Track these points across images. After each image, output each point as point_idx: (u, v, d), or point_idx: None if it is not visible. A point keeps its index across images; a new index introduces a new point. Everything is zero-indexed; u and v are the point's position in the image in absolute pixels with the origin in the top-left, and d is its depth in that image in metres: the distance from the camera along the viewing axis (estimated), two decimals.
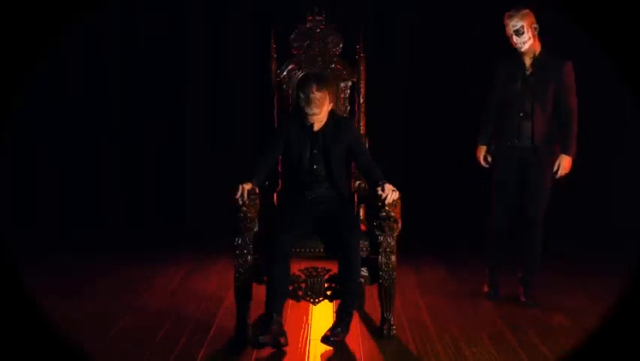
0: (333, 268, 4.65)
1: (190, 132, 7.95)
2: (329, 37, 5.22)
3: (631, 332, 3.62)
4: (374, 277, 4.68)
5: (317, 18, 5.23)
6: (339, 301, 4.61)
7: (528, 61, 5.25)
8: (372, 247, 4.66)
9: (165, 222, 7.89)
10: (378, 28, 7.72)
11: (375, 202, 4.64)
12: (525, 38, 5.16)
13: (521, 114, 5.25)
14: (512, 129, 5.28)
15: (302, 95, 4.62)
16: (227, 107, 7.89)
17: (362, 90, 5.19)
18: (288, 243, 4.55)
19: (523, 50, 5.19)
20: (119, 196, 7.92)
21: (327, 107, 4.67)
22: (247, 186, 4.54)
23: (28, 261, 6.25)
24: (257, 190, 4.61)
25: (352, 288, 4.57)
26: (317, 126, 4.71)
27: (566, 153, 5.24)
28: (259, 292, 4.66)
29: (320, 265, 4.71)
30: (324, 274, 4.69)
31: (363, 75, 5.18)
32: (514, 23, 5.15)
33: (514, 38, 5.18)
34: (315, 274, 4.69)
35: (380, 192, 4.58)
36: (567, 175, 5.30)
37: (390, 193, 4.57)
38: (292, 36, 5.23)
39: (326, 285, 4.68)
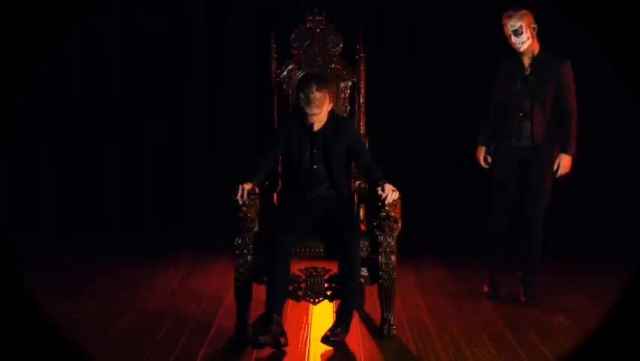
0: (333, 268, 4.65)
1: (190, 132, 7.95)
2: (329, 37, 5.22)
3: (631, 332, 3.62)
4: (374, 277, 4.68)
5: (317, 18, 5.23)
6: (339, 301, 4.61)
7: (527, 61, 5.25)
8: (372, 247, 4.66)
9: (165, 222, 7.89)
10: (378, 28, 7.72)
11: (375, 202, 4.64)
12: (523, 38, 5.16)
13: (520, 114, 5.26)
14: (512, 129, 5.28)
15: (302, 95, 4.62)
16: (227, 107, 7.89)
17: (362, 90, 5.19)
18: (288, 243, 4.55)
19: (521, 50, 5.20)
20: (119, 196, 7.92)
21: (327, 107, 4.67)
22: (247, 186, 4.54)
23: (28, 261, 6.25)
24: (257, 190, 4.61)
25: (352, 288, 4.57)
26: (317, 126, 4.71)
27: (565, 152, 5.25)
28: (259, 292, 4.66)
29: (320, 265, 4.71)
30: (324, 274, 4.69)
31: (363, 75, 5.18)
32: (513, 23, 5.15)
33: (513, 38, 5.18)
34: (315, 274, 4.69)
35: (380, 192, 4.58)
36: (567, 174, 5.30)
37: (390, 193, 4.57)
38: (292, 36, 5.23)
39: (326, 285, 4.68)
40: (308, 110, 4.63)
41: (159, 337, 4.66)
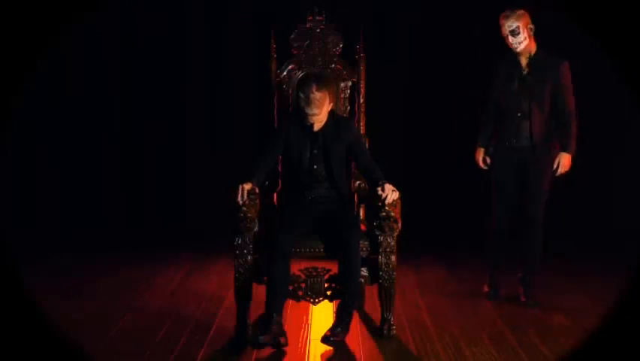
0: (333, 268, 4.65)
1: (190, 132, 7.95)
2: (329, 37, 5.22)
3: (631, 332, 3.62)
4: (374, 277, 4.68)
5: (317, 18, 5.23)
6: (339, 301, 4.61)
7: (524, 61, 5.26)
8: (372, 247, 4.66)
9: (165, 222, 7.90)
10: (378, 28, 7.72)
11: (375, 202, 4.64)
12: (521, 39, 5.17)
13: (519, 114, 5.26)
14: (510, 129, 5.29)
15: (302, 95, 4.63)
16: (227, 107, 7.89)
17: (362, 90, 5.18)
18: (288, 243, 4.55)
19: (518, 50, 5.21)
20: (119, 196, 7.92)
21: (327, 107, 4.67)
22: (247, 186, 4.54)
23: (28, 261, 6.25)
24: (257, 190, 4.61)
25: (352, 288, 4.57)
26: (317, 126, 4.71)
27: (565, 150, 5.25)
28: (259, 292, 4.66)
29: (320, 265, 4.71)
30: (324, 274, 4.69)
31: (363, 75, 5.18)
32: (510, 24, 5.16)
33: (510, 39, 5.19)
34: (315, 274, 4.69)
35: (380, 192, 4.58)
36: (567, 173, 5.31)
37: (390, 193, 4.57)
38: (292, 36, 5.23)
39: (326, 285, 4.68)
40: (308, 111, 4.63)
41: (159, 337, 4.66)
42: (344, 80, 5.22)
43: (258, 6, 7.69)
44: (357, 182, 5.03)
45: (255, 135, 7.35)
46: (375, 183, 4.68)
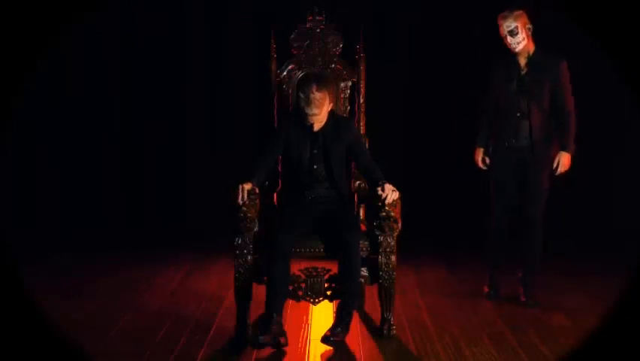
0: (333, 268, 4.65)
1: (190, 132, 7.95)
2: (329, 37, 5.22)
3: (631, 332, 3.62)
4: (374, 277, 4.68)
5: (317, 18, 5.23)
6: (339, 301, 4.61)
7: (522, 61, 5.27)
8: (372, 247, 4.66)
9: (165, 222, 7.90)
10: (378, 28, 7.72)
11: (375, 202, 4.64)
12: (519, 39, 5.18)
13: (518, 114, 5.27)
14: (510, 129, 5.29)
15: (302, 96, 4.62)
16: (227, 107, 7.89)
17: (362, 90, 5.18)
18: (288, 243, 4.55)
19: (517, 50, 5.21)
20: (119, 196, 7.92)
21: (327, 107, 4.67)
22: (247, 186, 4.54)
23: (28, 261, 6.25)
24: (257, 190, 4.61)
25: (352, 288, 4.57)
26: (317, 126, 4.71)
27: (565, 150, 5.26)
28: (259, 292, 4.66)
29: (320, 265, 4.71)
30: (324, 274, 4.69)
31: (363, 75, 5.18)
32: (508, 24, 5.17)
33: (509, 39, 5.20)
34: (315, 274, 4.69)
35: (380, 192, 4.58)
36: (567, 172, 5.31)
37: (390, 193, 4.57)
38: (292, 36, 5.23)
39: (326, 285, 4.68)
40: (308, 111, 4.63)
41: (159, 337, 4.66)
42: (344, 80, 5.22)
43: (258, 6, 7.69)
44: (357, 182, 5.03)
45: (255, 135, 7.35)
46: (375, 183, 4.68)
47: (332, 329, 4.48)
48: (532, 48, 5.25)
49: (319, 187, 4.83)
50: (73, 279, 6.01)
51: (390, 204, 4.56)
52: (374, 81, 5.36)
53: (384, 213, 4.56)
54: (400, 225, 4.61)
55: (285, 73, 5.22)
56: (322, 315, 5.05)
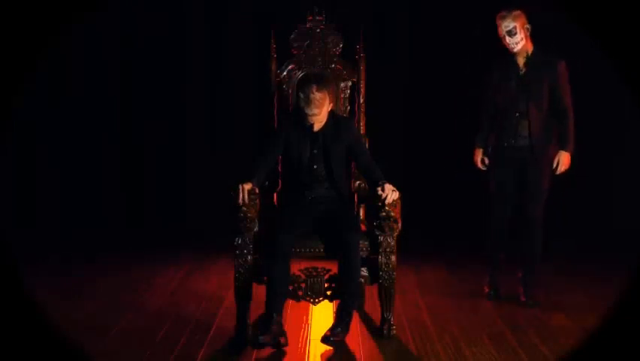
0: (333, 268, 4.65)
1: (190, 132, 7.95)
2: (329, 37, 5.22)
3: (631, 332, 3.62)
4: (374, 277, 4.68)
5: (317, 18, 5.23)
6: (339, 301, 4.61)
7: (521, 61, 5.28)
8: (372, 247, 4.66)
9: (165, 222, 7.90)
10: (378, 28, 7.72)
11: (375, 202, 4.63)
12: (517, 39, 5.19)
13: (517, 114, 5.27)
14: (509, 129, 5.29)
15: (302, 96, 4.62)
16: (227, 107, 7.89)
17: (362, 90, 5.18)
18: (288, 243, 4.55)
19: (515, 50, 5.22)
20: (119, 196, 7.92)
21: (327, 107, 4.67)
22: (247, 186, 4.54)
23: (28, 261, 6.25)
24: (257, 190, 4.61)
25: (352, 288, 4.57)
26: (317, 126, 4.71)
27: (564, 149, 5.26)
28: (259, 292, 4.66)
29: (320, 265, 4.71)
30: (324, 274, 4.69)
31: (363, 75, 5.17)
32: (507, 24, 5.18)
33: (507, 39, 5.21)
34: (315, 274, 4.69)
35: (380, 192, 4.58)
36: (567, 171, 5.31)
37: (390, 193, 4.57)
38: (292, 36, 5.23)
39: (326, 285, 4.68)
40: (308, 111, 4.63)
41: (159, 337, 4.66)
42: (344, 80, 5.22)
43: (258, 6, 7.70)
44: (357, 182, 5.03)
45: (255, 135, 7.35)
46: (375, 183, 4.67)
47: (332, 329, 4.48)
48: (530, 48, 5.26)
49: (319, 187, 4.83)
50: (73, 279, 6.01)
51: (390, 204, 4.56)
52: (374, 81, 5.35)
53: (384, 213, 4.56)
54: (399, 225, 4.61)
55: (285, 73, 5.22)
56: (322, 315, 5.05)
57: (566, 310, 5.21)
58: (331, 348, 4.47)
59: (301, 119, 4.70)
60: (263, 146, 4.89)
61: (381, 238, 4.62)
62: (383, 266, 4.62)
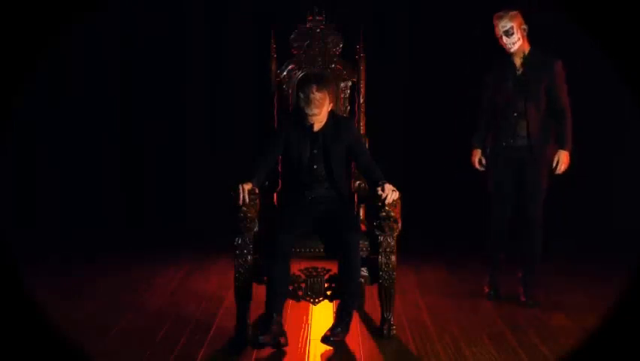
0: (333, 268, 4.65)
1: (190, 132, 7.95)
2: (329, 37, 5.22)
3: (631, 332, 3.62)
4: (374, 277, 4.68)
5: (317, 18, 5.23)
6: (339, 301, 4.61)
7: (518, 61, 5.29)
8: (372, 247, 4.66)
9: (165, 222, 7.90)
10: (378, 28, 7.72)
11: (375, 202, 4.63)
12: (514, 39, 5.20)
13: (515, 114, 5.28)
14: (507, 129, 5.30)
15: (302, 96, 4.63)
16: (227, 107, 7.89)
17: (362, 90, 5.18)
18: (288, 243, 4.55)
19: (512, 50, 5.24)
20: (119, 196, 7.93)
21: (327, 107, 4.67)
22: (247, 186, 4.54)
23: (28, 261, 6.25)
24: (257, 190, 4.61)
25: (352, 288, 4.57)
26: (317, 126, 4.71)
27: (563, 148, 5.27)
28: (259, 292, 4.66)
29: (320, 265, 4.71)
30: (324, 274, 4.69)
31: (363, 75, 5.17)
32: (504, 24, 5.19)
33: (504, 39, 5.22)
34: (315, 274, 4.69)
35: (380, 192, 4.58)
36: (566, 170, 5.31)
37: (390, 193, 4.57)
38: (292, 36, 5.23)
39: (326, 285, 4.68)
40: (308, 111, 4.63)
41: (159, 337, 4.66)
42: (344, 80, 5.22)
43: (258, 6, 7.70)
44: (357, 182, 5.03)
45: (255, 135, 7.35)
46: (375, 183, 4.67)
47: (332, 329, 4.48)
48: (527, 48, 5.27)
49: (319, 187, 4.83)
50: (73, 279, 6.01)
51: (390, 204, 4.56)
52: (374, 81, 5.35)
53: (384, 213, 4.56)
54: (399, 225, 4.60)
55: (285, 73, 5.22)
56: (322, 315, 5.05)
57: (566, 310, 5.21)
58: (331, 348, 4.47)
59: (301, 119, 4.70)
60: (263, 146, 4.89)
61: (381, 238, 4.62)
62: (383, 266, 4.62)
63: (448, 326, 4.87)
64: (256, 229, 4.62)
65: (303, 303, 4.78)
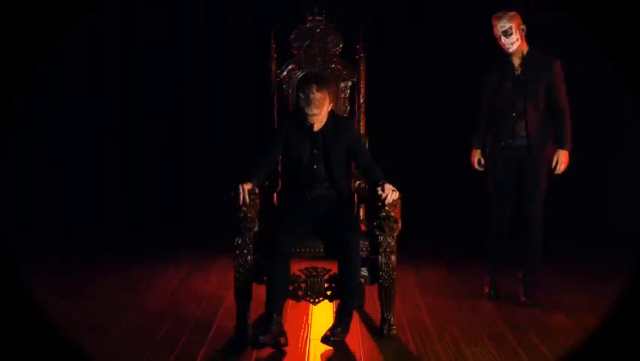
0: (333, 268, 4.65)
1: (190, 132, 7.95)
2: (329, 37, 5.22)
3: (631, 332, 3.62)
4: (374, 277, 4.68)
5: (317, 18, 5.23)
6: (339, 301, 4.61)
7: (517, 61, 5.29)
8: (372, 247, 4.66)
9: (165, 222, 7.90)
10: (378, 28, 7.72)
11: (375, 202, 4.63)
12: (513, 39, 5.21)
13: (514, 114, 5.28)
14: (506, 129, 5.30)
15: (302, 96, 4.63)
16: (227, 107, 7.89)
17: (362, 90, 5.18)
18: (288, 243, 4.55)
19: (510, 50, 5.24)
20: (119, 196, 7.93)
21: (327, 107, 4.67)
22: (247, 186, 4.54)
23: (28, 261, 6.25)
24: (257, 190, 4.61)
25: (352, 288, 4.57)
26: (317, 126, 4.71)
27: (562, 148, 5.27)
28: (259, 292, 4.66)
29: (320, 265, 4.71)
30: (324, 274, 4.69)
31: (363, 75, 5.17)
32: (503, 24, 5.20)
33: (503, 39, 5.23)
34: (315, 274, 4.69)
35: (380, 192, 4.58)
36: (566, 170, 5.31)
37: (390, 193, 4.57)
38: (292, 36, 5.23)
39: (326, 285, 4.68)
40: (308, 111, 4.63)
41: (159, 337, 4.66)
42: (344, 80, 5.22)
43: (258, 6, 7.70)
44: (357, 182, 5.03)
45: (255, 135, 7.36)
46: (375, 183, 4.68)
47: (332, 329, 4.48)
48: (525, 48, 5.28)
49: (319, 187, 4.83)
50: (73, 279, 6.01)
51: (390, 204, 4.56)
52: (374, 81, 5.35)
53: (384, 213, 4.56)
54: (399, 225, 4.60)
55: (285, 73, 5.22)
56: (322, 315, 5.05)
57: (566, 310, 5.21)
58: (331, 348, 4.47)
59: (301, 119, 4.70)
60: (263, 146, 4.89)
61: (381, 238, 4.62)
62: (383, 266, 4.62)
63: (448, 326, 4.87)
64: (256, 229, 4.62)
65: (303, 303, 4.78)
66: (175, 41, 7.79)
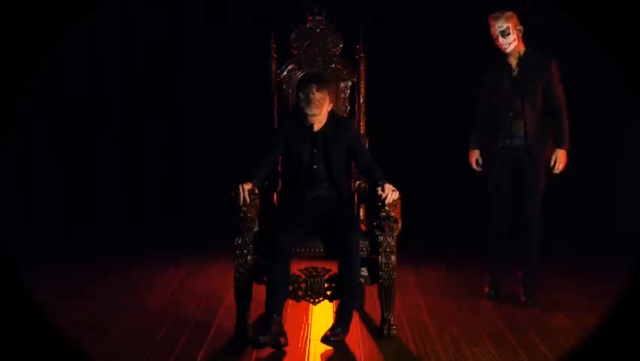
0: (333, 268, 4.65)
1: (190, 132, 7.95)
2: (329, 37, 5.22)
3: (631, 332, 3.62)
4: (374, 277, 4.68)
5: (317, 18, 5.23)
6: (339, 301, 4.61)
7: (514, 61, 5.30)
8: (372, 247, 4.66)
9: (165, 222, 7.90)
10: (378, 28, 7.72)
11: (375, 202, 4.63)
12: (510, 39, 5.21)
13: (512, 114, 5.29)
14: (504, 130, 5.31)
15: (302, 96, 4.63)
16: (227, 107, 7.89)
17: (362, 90, 5.18)
18: (288, 243, 4.55)
19: (508, 50, 5.25)
20: (119, 196, 7.93)
21: (327, 107, 4.67)
22: (247, 186, 4.54)
23: (28, 261, 6.25)
24: (257, 190, 4.61)
25: (352, 288, 4.57)
26: (317, 126, 4.71)
27: (560, 147, 5.28)
28: (259, 292, 4.66)
29: (320, 265, 4.71)
30: (324, 274, 4.69)
31: (363, 75, 5.17)
32: (500, 25, 5.21)
33: (500, 40, 5.24)
34: (315, 274, 4.69)
35: (380, 192, 4.58)
36: (564, 169, 5.31)
37: (390, 193, 4.57)
38: (292, 36, 5.23)
39: (326, 285, 4.68)
40: (308, 111, 4.63)
41: (159, 337, 4.66)
42: (344, 80, 5.22)
43: (258, 6, 7.70)
44: (357, 182, 5.03)
45: (255, 135, 7.35)
46: (375, 183, 4.68)
47: (332, 329, 4.48)
48: (522, 48, 5.30)
49: (319, 187, 4.83)
50: (73, 279, 6.01)
51: (390, 204, 4.56)
52: (374, 81, 5.36)
53: (384, 213, 4.56)
54: (399, 225, 4.60)
55: (285, 73, 5.22)
56: (322, 315, 5.05)
57: (566, 310, 5.21)
58: (331, 348, 4.47)
59: (301, 119, 4.70)
60: (263, 146, 4.89)
61: (381, 238, 4.62)
62: (383, 266, 4.62)
63: (448, 326, 4.87)
64: (256, 228, 4.62)
65: (303, 303, 4.78)
66: (175, 41, 7.79)
